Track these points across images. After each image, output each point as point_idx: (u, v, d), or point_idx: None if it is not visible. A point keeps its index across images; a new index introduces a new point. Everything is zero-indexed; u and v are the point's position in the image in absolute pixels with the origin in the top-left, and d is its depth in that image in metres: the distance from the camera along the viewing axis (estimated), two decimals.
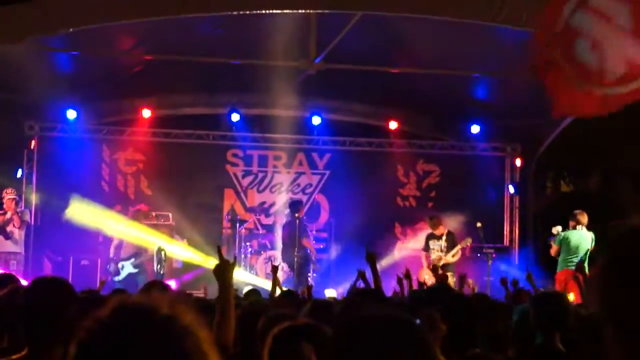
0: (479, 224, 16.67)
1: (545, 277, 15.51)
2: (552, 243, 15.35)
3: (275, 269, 9.70)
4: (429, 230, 16.47)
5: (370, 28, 14.56)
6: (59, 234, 17.29)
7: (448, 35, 14.71)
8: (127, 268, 15.95)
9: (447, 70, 16.17)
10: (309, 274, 16.89)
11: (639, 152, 16.60)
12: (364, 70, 16.06)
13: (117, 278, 15.76)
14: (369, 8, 13.58)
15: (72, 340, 1.78)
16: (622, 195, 16.26)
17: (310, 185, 19.46)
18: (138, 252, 16.19)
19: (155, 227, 17.07)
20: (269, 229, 18.82)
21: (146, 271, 16.16)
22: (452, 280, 15.19)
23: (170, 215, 17.62)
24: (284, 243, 17.09)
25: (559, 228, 15.38)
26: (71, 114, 17.88)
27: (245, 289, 10.87)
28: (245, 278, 15.89)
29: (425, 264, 16.07)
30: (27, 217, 16.14)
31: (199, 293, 11.06)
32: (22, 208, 16.33)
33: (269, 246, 18.14)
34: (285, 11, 13.76)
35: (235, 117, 18.36)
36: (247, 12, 13.47)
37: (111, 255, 16.29)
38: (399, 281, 9.40)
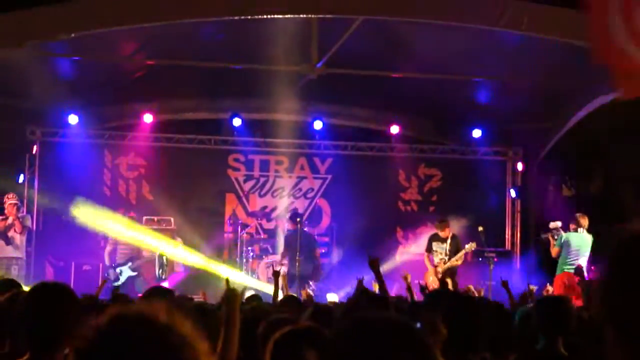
0: (480, 228, 16.66)
1: (546, 281, 15.53)
2: (549, 238, 15.40)
3: (276, 273, 9.70)
4: (433, 231, 16.46)
5: (372, 33, 14.56)
6: (61, 239, 17.30)
7: (449, 39, 14.71)
8: (126, 272, 15.96)
9: (448, 75, 16.17)
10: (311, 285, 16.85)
11: None
12: (366, 74, 16.07)
13: (117, 284, 15.75)
14: (370, 13, 13.58)
15: (71, 347, 1.78)
16: (624, 200, 16.25)
17: (312, 189, 19.47)
18: (134, 256, 16.19)
19: (157, 231, 17.07)
20: (271, 233, 18.83)
21: (144, 273, 16.14)
22: (452, 284, 15.22)
23: (172, 219, 17.62)
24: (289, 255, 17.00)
25: (558, 223, 15.41)
26: (73, 119, 17.90)
27: (247, 294, 10.86)
28: (247, 282, 15.85)
29: (429, 266, 16.05)
30: (28, 223, 16.15)
31: (198, 298, 11.05)
32: (24, 213, 16.34)
33: (271, 250, 18.16)
34: (286, 16, 13.76)
35: (236, 121, 18.37)
36: (249, 17, 13.47)
37: (107, 262, 16.28)
38: (409, 289, 9.44)
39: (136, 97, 18.09)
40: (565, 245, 14.88)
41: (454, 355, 4.47)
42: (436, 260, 15.99)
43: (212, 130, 18.94)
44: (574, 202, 18.64)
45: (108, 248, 16.28)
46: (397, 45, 15.58)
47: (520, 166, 19.43)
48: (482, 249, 16.54)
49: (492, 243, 17.49)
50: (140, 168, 18.97)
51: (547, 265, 16.54)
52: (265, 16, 13.53)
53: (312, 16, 14.06)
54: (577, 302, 10.88)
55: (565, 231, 15.26)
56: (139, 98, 18.14)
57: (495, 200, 19.40)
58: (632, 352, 1.63)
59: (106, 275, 16.04)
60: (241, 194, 19.18)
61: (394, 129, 19.04)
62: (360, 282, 8.74)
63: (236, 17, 13.37)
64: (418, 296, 9.75)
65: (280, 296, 9.32)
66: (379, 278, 7.72)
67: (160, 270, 16.16)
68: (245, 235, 18.13)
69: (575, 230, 14.99)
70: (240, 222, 18.43)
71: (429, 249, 16.21)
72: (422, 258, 16.57)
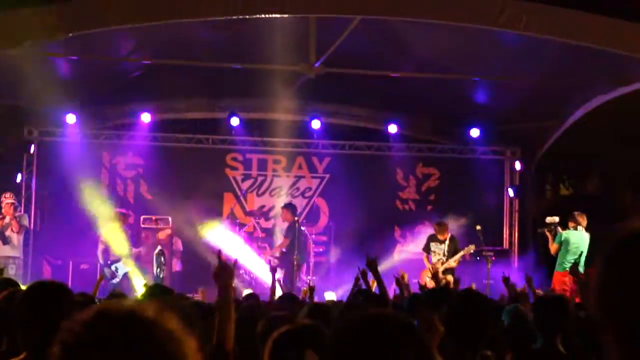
0: (478, 227, 16.66)
1: (545, 280, 15.55)
2: (546, 233, 15.44)
3: (274, 270, 9.70)
4: (432, 232, 16.46)
5: (370, 32, 14.56)
6: (59, 238, 17.30)
7: (447, 39, 14.72)
8: (122, 269, 15.93)
9: (446, 74, 16.18)
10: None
11: (638, 155, 16.61)
12: (364, 74, 16.07)
13: (114, 281, 15.74)
14: (368, 12, 13.57)
15: (56, 339, 1.78)
16: (621, 199, 16.27)
17: (310, 189, 19.46)
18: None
19: (155, 230, 17.06)
20: (269, 232, 18.81)
21: (143, 269, 16.09)
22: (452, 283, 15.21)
23: (170, 219, 17.60)
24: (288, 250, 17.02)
25: (555, 218, 15.44)
26: (71, 119, 17.87)
27: (245, 293, 10.87)
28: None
29: (427, 265, 16.06)
30: (25, 222, 16.13)
31: (196, 296, 11.06)
32: (21, 213, 16.33)
33: (269, 249, 18.14)
34: (284, 15, 13.75)
35: (234, 121, 18.35)
36: (247, 17, 13.47)
37: (101, 261, 16.22)
38: (397, 282, 9.43)
39: (134, 97, 18.08)
40: (564, 243, 14.93)
41: (457, 353, 4.47)
42: (434, 260, 16.00)
43: (210, 130, 18.94)
44: (572, 201, 18.66)
45: (100, 247, 16.22)
46: (395, 45, 15.58)
47: (518, 165, 19.43)
48: (480, 248, 16.54)
49: (490, 242, 17.49)
50: (138, 167, 18.95)
51: (545, 264, 16.56)
52: (263, 15, 13.53)
53: (310, 16, 14.06)
54: (576, 300, 10.88)
55: (563, 228, 15.31)
56: (137, 98, 18.12)
57: (493, 199, 19.40)
58: (629, 353, 1.62)
59: (103, 273, 16.00)
60: (239, 193, 19.17)
61: (392, 128, 19.03)
62: (357, 278, 8.74)
63: (234, 17, 13.37)
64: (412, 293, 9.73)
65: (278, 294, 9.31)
66: (378, 278, 7.72)
67: (158, 269, 16.14)
68: (243, 234, 18.11)
69: (575, 229, 15.04)
70: (238, 221, 18.41)
71: (427, 249, 16.21)
72: (419, 257, 16.59)
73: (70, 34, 13.24)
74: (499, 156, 19.62)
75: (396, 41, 15.40)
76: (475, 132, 18.94)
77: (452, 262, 15.87)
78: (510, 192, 19.47)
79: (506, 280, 9.42)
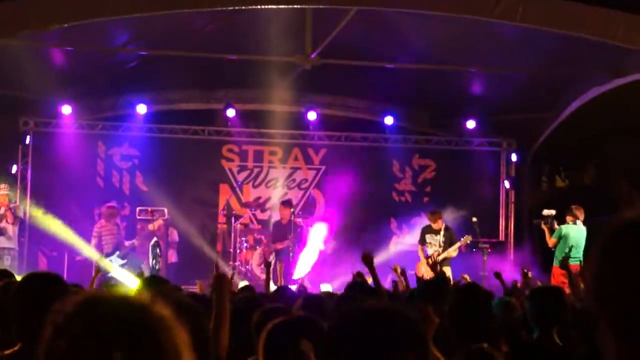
0: (474, 219, 16.66)
1: (541, 272, 15.56)
2: (543, 226, 15.47)
3: (268, 264, 9.70)
4: (426, 223, 16.45)
5: (366, 23, 14.55)
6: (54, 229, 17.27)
7: (444, 30, 14.70)
8: (116, 261, 15.89)
9: (442, 66, 16.16)
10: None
11: (634, 146, 16.63)
12: (360, 65, 16.05)
13: (108, 274, 15.69)
14: (364, 3, 13.56)
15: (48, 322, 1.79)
16: (617, 190, 16.28)
17: (306, 180, 19.46)
18: (119, 243, 16.11)
19: (151, 222, 17.02)
20: (265, 224, 18.81)
21: (135, 262, 16.03)
22: (449, 274, 15.24)
23: (165, 210, 17.58)
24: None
25: (552, 212, 15.47)
26: (66, 110, 17.85)
27: (241, 284, 10.86)
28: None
29: (422, 257, 16.05)
30: (20, 213, 16.11)
31: (194, 289, 11.04)
32: (16, 204, 16.30)
33: (265, 241, 18.13)
34: (280, 6, 13.73)
35: (230, 112, 18.32)
36: (243, 8, 13.45)
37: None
38: (395, 271, 9.47)
39: (130, 88, 18.04)
40: (564, 238, 14.97)
41: (454, 345, 4.48)
42: (430, 252, 15.98)
43: (206, 121, 18.91)
44: (568, 193, 18.69)
45: (93, 242, 16.16)
46: (391, 36, 15.56)
47: (514, 157, 19.44)
48: (476, 240, 16.55)
49: (486, 234, 17.50)
50: (134, 159, 18.94)
51: (541, 256, 16.58)
52: (259, 7, 13.50)
53: (306, 7, 14.03)
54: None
55: (558, 221, 15.33)
56: (133, 88, 18.09)
57: (489, 191, 19.42)
58: (625, 343, 1.62)
59: (98, 267, 15.94)
60: (235, 184, 19.16)
61: (388, 120, 19.02)
62: (361, 274, 8.77)
63: (230, 7, 13.34)
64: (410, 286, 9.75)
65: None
66: (373, 272, 7.74)
67: (154, 261, 16.12)
68: (239, 225, 18.10)
69: (574, 223, 15.09)
70: (234, 212, 18.41)
71: (422, 241, 16.20)
72: (416, 249, 16.57)
73: (66, 25, 13.20)
74: (495, 148, 19.62)
75: (392, 32, 15.38)
76: (471, 124, 18.94)
77: (452, 252, 15.86)
78: (507, 184, 19.48)
79: (498, 275, 9.44)
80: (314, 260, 16.96)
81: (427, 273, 15.51)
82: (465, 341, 4.49)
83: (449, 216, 17.23)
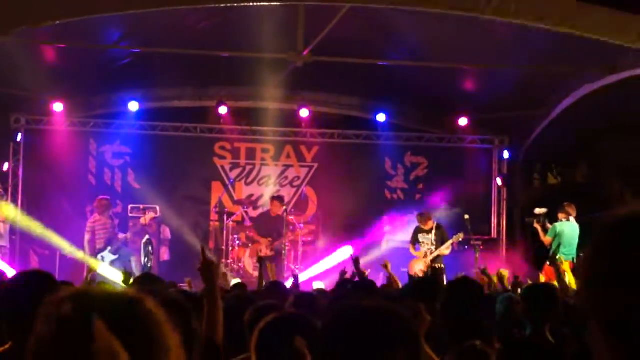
0: (466, 216, 16.68)
1: (533, 269, 15.59)
2: (536, 225, 15.51)
3: (261, 260, 9.70)
4: (418, 224, 16.45)
5: (358, 20, 14.53)
6: (46, 227, 17.21)
7: (436, 27, 14.70)
8: (108, 257, 15.86)
9: (435, 63, 16.16)
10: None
11: (626, 144, 16.64)
12: (352, 62, 16.04)
13: (99, 271, 15.64)
14: (357, 0, 13.54)
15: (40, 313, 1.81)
16: (609, 188, 16.31)
17: (298, 177, 19.45)
18: (111, 238, 16.07)
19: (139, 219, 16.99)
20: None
21: (126, 256, 16.00)
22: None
23: (157, 207, 17.55)
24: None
25: (544, 210, 15.51)
26: (58, 107, 17.80)
27: (233, 282, 10.86)
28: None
29: (414, 253, 16.05)
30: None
31: (183, 286, 11.02)
32: (8, 201, 16.25)
33: (257, 239, 18.11)
34: (273, 4, 13.71)
35: (223, 109, 18.30)
36: (235, 5, 13.42)
37: (88, 252, 16.11)
38: (389, 268, 9.53)
39: (122, 85, 18.01)
40: (559, 236, 15.02)
41: (447, 342, 4.47)
42: (423, 250, 15.98)
43: (198, 119, 18.89)
44: (560, 190, 18.70)
45: (86, 237, 16.13)
46: (384, 33, 15.56)
47: (506, 154, 19.45)
48: (468, 237, 16.57)
49: (478, 231, 17.52)
50: (126, 156, 18.91)
51: (533, 253, 16.60)
52: (251, 3, 13.48)
53: (299, 4, 14.02)
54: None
55: (550, 219, 15.38)
56: (125, 86, 18.06)
57: (481, 188, 19.43)
58: (615, 342, 1.61)
59: (90, 267, 15.89)
60: (227, 182, 19.14)
61: (381, 117, 19.03)
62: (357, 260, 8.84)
63: (222, 5, 13.32)
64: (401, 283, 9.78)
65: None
66: (359, 273, 7.84)
67: (146, 259, 16.10)
68: (231, 223, 18.10)
69: (567, 220, 15.13)
70: (226, 210, 18.39)
71: (415, 241, 16.19)
72: (407, 246, 16.56)
73: (58, 22, 13.16)
74: (488, 145, 19.63)
75: (385, 30, 15.38)
76: (463, 121, 18.94)
77: (444, 250, 15.88)
78: (499, 181, 19.49)
79: (484, 271, 9.46)
80: (322, 270, 16.92)
81: (420, 271, 15.52)
82: (457, 339, 4.48)
83: (441, 214, 17.25)
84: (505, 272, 9.72)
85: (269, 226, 17.03)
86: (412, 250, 16.17)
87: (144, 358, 1.77)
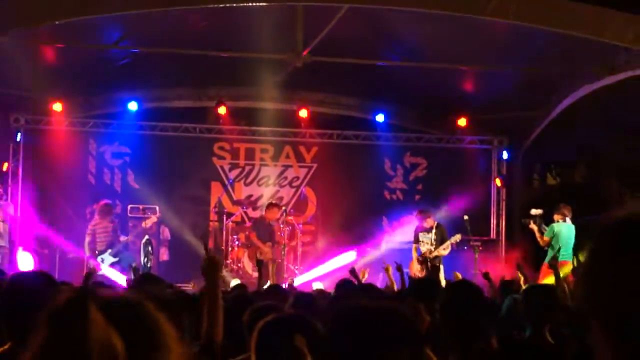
0: (465, 217, 16.68)
1: (532, 270, 15.59)
2: (532, 226, 15.53)
3: (260, 262, 9.70)
4: (417, 224, 16.44)
5: (357, 21, 14.52)
6: (46, 227, 17.22)
7: (435, 28, 14.70)
8: (107, 259, 15.84)
9: (434, 63, 16.15)
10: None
11: (625, 145, 16.65)
12: (351, 63, 16.03)
13: (99, 272, 15.61)
14: (355, 1, 13.54)
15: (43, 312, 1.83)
16: (608, 188, 16.31)
17: (297, 178, 19.45)
18: (112, 241, 16.05)
19: (142, 220, 16.99)
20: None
21: (126, 260, 15.99)
22: (441, 274, 15.28)
23: (157, 208, 17.55)
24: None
25: (539, 211, 15.54)
26: (57, 107, 17.79)
27: (233, 283, 10.86)
28: None
29: (414, 256, 16.05)
30: (11, 211, 16.04)
31: (187, 287, 11.03)
32: (7, 201, 16.23)
33: (257, 243, 18.10)
34: (272, 4, 13.70)
35: (222, 109, 18.29)
36: (234, 5, 13.41)
37: (87, 253, 16.09)
38: (390, 272, 9.53)
39: (121, 85, 17.99)
40: (557, 236, 15.06)
41: (448, 345, 4.47)
42: (423, 249, 15.98)
43: (198, 119, 18.88)
44: (559, 191, 18.70)
45: (87, 239, 16.12)
46: (383, 34, 15.56)
47: (505, 155, 19.46)
48: (468, 238, 16.57)
49: (477, 232, 17.52)
50: (125, 156, 18.91)
51: (533, 254, 16.59)
52: (250, 4, 13.48)
53: (298, 4, 14.01)
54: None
55: (545, 221, 15.43)
56: (124, 86, 18.05)
57: (480, 188, 19.41)
58: (616, 343, 1.61)
59: (88, 265, 15.89)
60: (226, 182, 19.13)
61: (380, 118, 19.03)
62: (353, 270, 8.85)
63: (222, 5, 13.31)
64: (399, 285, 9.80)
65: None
66: (359, 282, 7.90)
67: (146, 259, 16.10)
68: (230, 223, 18.10)
69: (563, 220, 15.16)
70: (225, 210, 18.39)
71: (416, 241, 16.19)
72: (407, 247, 16.55)
73: (57, 21, 13.15)
74: (487, 146, 19.63)
75: (384, 30, 15.37)
76: (462, 122, 18.94)
77: (442, 251, 15.87)
78: (498, 182, 19.49)
79: (486, 275, 9.44)
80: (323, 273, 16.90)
81: (419, 272, 15.53)
82: (458, 339, 4.48)
83: (440, 214, 17.25)
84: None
85: (265, 232, 16.97)
86: (414, 252, 16.14)
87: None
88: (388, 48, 16.36)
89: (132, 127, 18.59)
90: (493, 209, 19.50)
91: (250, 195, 19.23)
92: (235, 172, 19.26)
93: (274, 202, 17.67)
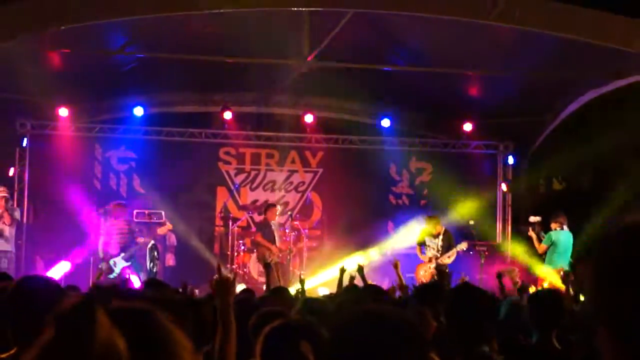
0: (471, 222, 16.69)
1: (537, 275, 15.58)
2: (531, 233, 15.59)
3: (267, 266, 9.68)
4: (426, 227, 16.43)
5: (363, 26, 14.54)
6: (52, 231, 17.24)
7: (441, 33, 14.70)
8: (120, 263, 15.83)
9: (440, 68, 16.16)
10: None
11: (631, 150, 16.62)
12: (357, 68, 16.04)
13: (111, 276, 15.63)
14: (361, 6, 13.55)
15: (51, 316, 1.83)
16: (614, 194, 16.28)
17: (303, 183, 19.45)
18: (126, 245, 16.03)
19: (148, 225, 16.98)
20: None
21: (140, 263, 15.99)
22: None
23: (162, 213, 17.54)
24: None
25: (537, 218, 15.59)
26: (63, 112, 17.82)
27: (239, 288, 10.83)
28: None
29: (420, 256, 16.05)
30: (17, 215, 16.04)
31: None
32: (13, 206, 16.24)
33: (265, 244, 18.10)
34: (278, 9, 13.72)
35: (227, 115, 18.30)
36: (240, 10, 13.43)
37: (100, 255, 16.09)
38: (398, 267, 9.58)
39: (127, 90, 18.02)
40: (555, 244, 15.12)
41: (453, 349, 4.46)
42: (429, 254, 15.96)
43: (203, 124, 18.88)
44: (565, 196, 18.68)
45: (102, 239, 16.12)
46: (389, 39, 15.56)
47: (511, 160, 19.45)
48: (473, 243, 16.55)
49: (483, 237, 17.50)
50: (131, 161, 18.92)
51: (538, 259, 16.57)
52: (256, 9, 13.49)
53: (304, 9, 14.03)
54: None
55: (543, 227, 15.52)
56: (130, 91, 18.08)
57: (486, 193, 19.39)
58: (623, 348, 1.61)
59: (100, 267, 15.91)
60: (232, 187, 19.14)
61: (385, 123, 19.03)
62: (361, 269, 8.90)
63: (228, 10, 13.33)
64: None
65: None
66: (364, 280, 7.88)
67: (152, 264, 16.08)
68: (236, 228, 18.10)
69: (561, 228, 15.24)
70: (231, 215, 18.40)
71: (421, 243, 16.18)
72: (413, 252, 16.55)
73: (63, 27, 13.18)
74: (492, 150, 19.62)
75: (389, 35, 15.38)
76: (468, 127, 18.94)
77: (447, 259, 15.86)
78: (504, 187, 19.48)
79: (499, 276, 9.43)
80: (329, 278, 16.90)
81: (425, 277, 15.51)
82: (463, 344, 4.47)
83: (446, 219, 17.23)
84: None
85: (270, 233, 17.01)
86: (418, 252, 16.15)
87: None
88: (393, 53, 16.37)
89: (138, 132, 18.61)
90: (499, 214, 19.48)
91: (256, 200, 19.23)
92: (241, 177, 19.26)
93: (270, 203, 17.72)
